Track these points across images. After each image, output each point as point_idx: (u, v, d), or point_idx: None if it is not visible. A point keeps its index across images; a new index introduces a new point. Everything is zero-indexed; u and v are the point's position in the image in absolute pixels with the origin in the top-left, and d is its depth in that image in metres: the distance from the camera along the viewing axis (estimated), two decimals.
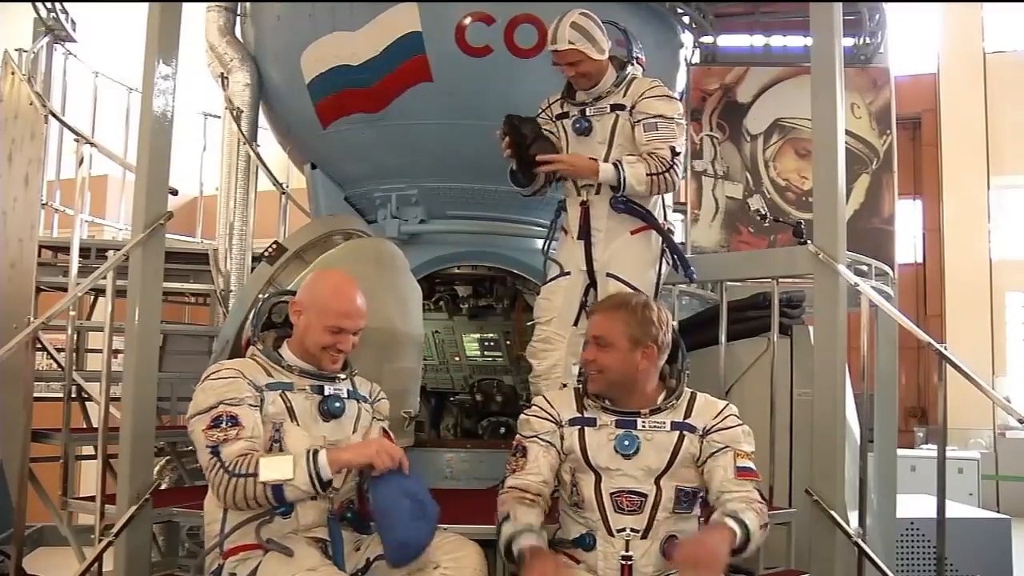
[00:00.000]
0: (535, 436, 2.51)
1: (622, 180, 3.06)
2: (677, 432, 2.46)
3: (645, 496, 2.42)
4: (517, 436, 2.56)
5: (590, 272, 3.23)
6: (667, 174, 3.07)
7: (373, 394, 2.63)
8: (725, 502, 2.37)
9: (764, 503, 2.41)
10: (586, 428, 2.49)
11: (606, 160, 3.17)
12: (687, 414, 2.49)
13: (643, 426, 2.46)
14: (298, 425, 2.41)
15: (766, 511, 2.39)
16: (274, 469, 2.20)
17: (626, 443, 2.44)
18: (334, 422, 2.47)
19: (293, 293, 2.59)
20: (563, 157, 3.17)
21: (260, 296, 2.81)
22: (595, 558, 2.41)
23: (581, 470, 2.48)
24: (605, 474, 2.45)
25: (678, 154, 3.11)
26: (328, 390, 2.48)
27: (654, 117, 3.12)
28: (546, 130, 3.32)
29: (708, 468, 2.43)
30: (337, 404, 2.47)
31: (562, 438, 2.50)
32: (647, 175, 3.05)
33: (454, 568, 2.29)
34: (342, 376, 2.55)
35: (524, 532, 2.34)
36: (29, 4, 5.70)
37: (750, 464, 2.44)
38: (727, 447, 2.44)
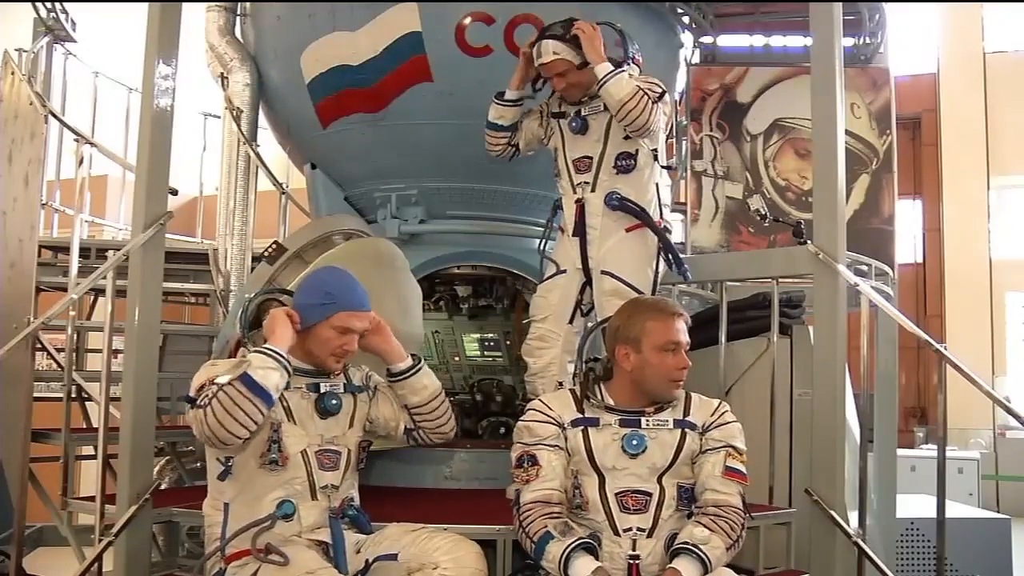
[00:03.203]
0: (540, 442, 2.48)
1: (609, 75, 3.04)
2: (680, 430, 2.48)
3: (650, 495, 2.43)
4: (518, 445, 2.51)
5: (586, 270, 3.24)
6: (655, 103, 3.05)
7: (366, 379, 2.65)
8: (700, 510, 2.43)
9: (743, 512, 2.43)
10: (589, 429, 2.49)
11: (601, 158, 3.21)
12: (686, 412, 2.51)
13: (647, 424, 2.47)
14: (295, 424, 2.43)
15: (742, 521, 2.41)
16: (229, 371, 2.26)
17: (634, 442, 2.44)
18: (331, 419, 2.49)
19: (282, 291, 2.59)
20: (588, 30, 3.12)
21: (246, 296, 2.83)
22: (601, 559, 2.38)
23: (584, 472, 2.47)
24: (609, 474, 2.45)
25: (660, 99, 3.10)
26: (324, 387, 2.50)
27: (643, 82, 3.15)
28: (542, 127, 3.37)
29: (699, 461, 2.48)
30: (333, 401, 2.49)
31: (565, 440, 2.49)
32: (637, 86, 3.04)
33: (453, 568, 2.29)
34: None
35: (579, 553, 2.30)
36: (29, 4, 5.69)
37: (740, 466, 2.47)
38: (724, 445, 2.47)
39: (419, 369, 2.62)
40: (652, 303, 2.70)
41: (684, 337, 2.51)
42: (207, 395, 2.24)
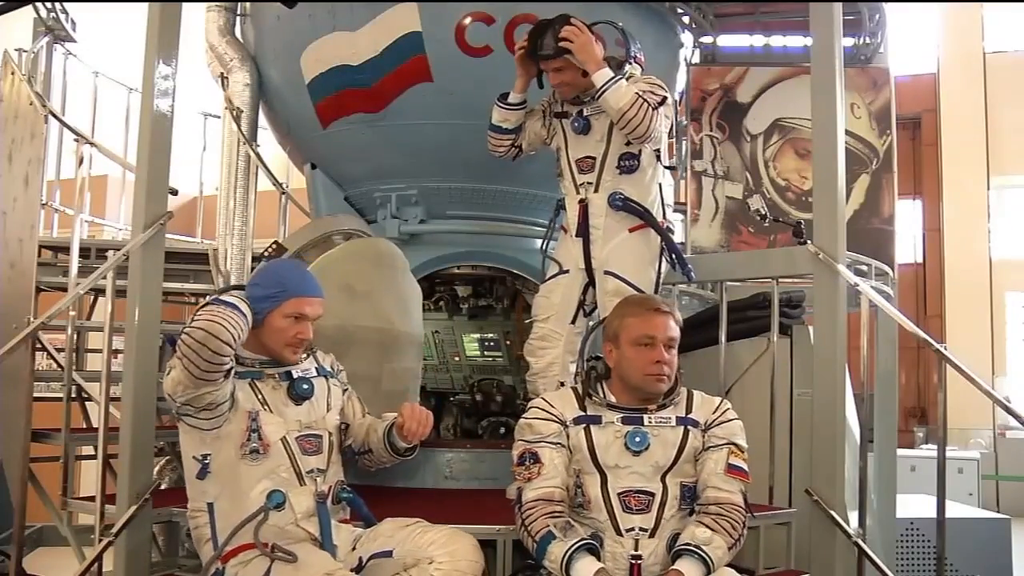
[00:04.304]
0: (542, 440, 2.48)
1: (608, 84, 3.01)
2: (683, 427, 2.49)
3: (652, 495, 2.43)
4: (519, 443, 2.51)
5: (588, 270, 3.24)
6: (655, 110, 3.02)
7: (334, 365, 2.70)
8: (701, 509, 2.43)
9: (744, 510, 2.43)
10: (592, 426, 2.48)
11: (604, 158, 3.21)
12: (688, 409, 2.52)
13: (650, 422, 2.47)
14: (272, 412, 2.45)
15: (743, 519, 2.41)
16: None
17: (637, 439, 2.44)
18: (306, 404, 2.51)
19: (237, 287, 2.60)
20: (582, 36, 3.08)
21: (209, 292, 2.87)
22: (603, 559, 2.38)
23: (587, 470, 2.47)
24: (612, 473, 2.45)
25: (661, 105, 3.07)
26: (296, 372, 2.53)
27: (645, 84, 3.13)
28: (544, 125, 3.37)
29: (701, 458, 2.48)
30: (305, 386, 2.51)
31: (567, 437, 2.49)
32: (636, 94, 3.01)
33: (449, 561, 2.29)
34: (304, 355, 2.59)
35: (582, 554, 2.30)
36: (29, 4, 5.69)
37: (742, 464, 2.47)
38: (726, 443, 2.47)
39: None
40: (635, 299, 2.71)
41: (665, 333, 2.49)
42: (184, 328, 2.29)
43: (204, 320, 2.25)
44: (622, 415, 2.49)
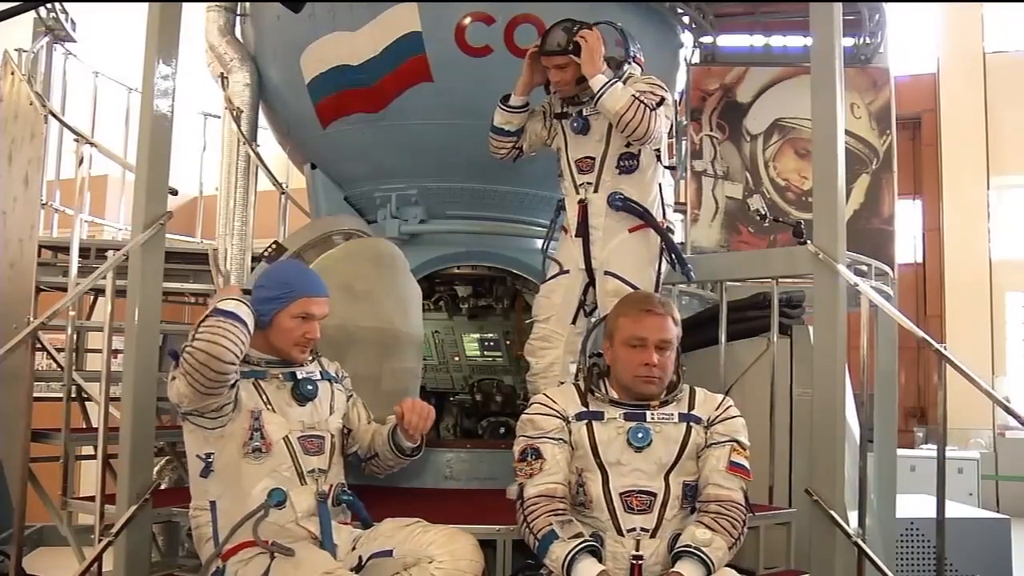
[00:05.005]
0: (544, 435, 2.47)
1: (604, 87, 3.03)
2: (685, 424, 2.48)
3: (655, 495, 2.42)
4: (521, 439, 2.50)
5: (589, 270, 3.24)
6: (653, 111, 3.03)
7: (339, 372, 2.72)
8: (702, 506, 2.42)
9: (745, 508, 2.42)
10: (594, 422, 2.48)
11: (604, 159, 3.21)
12: (690, 406, 2.51)
13: (652, 418, 2.47)
14: (274, 412, 2.46)
15: (743, 517, 2.40)
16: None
17: (639, 435, 2.43)
18: (309, 405, 2.52)
19: (244, 291, 2.61)
20: (595, 42, 3.11)
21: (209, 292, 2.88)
22: (604, 559, 2.37)
23: (588, 468, 2.46)
24: (613, 471, 2.44)
25: (660, 105, 3.08)
26: (300, 374, 2.55)
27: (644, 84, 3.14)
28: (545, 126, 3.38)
29: (703, 455, 2.47)
30: (310, 387, 2.53)
31: (569, 433, 2.48)
32: (632, 97, 3.02)
33: (449, 561, 2.30)
34: (309, 358, 2.60)
35: (584, 556, 2.29)
36: (32, 8, 5.68)
37: (744, 462, 2.47)
38: (728, 440, 2.46)
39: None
40: (633, 299, 2.70)
41: (656, 335, 2.47)
42: (187, 343, 2.30)
43: (206, 340, 2.26)
44: (624, 411, 2.48)
